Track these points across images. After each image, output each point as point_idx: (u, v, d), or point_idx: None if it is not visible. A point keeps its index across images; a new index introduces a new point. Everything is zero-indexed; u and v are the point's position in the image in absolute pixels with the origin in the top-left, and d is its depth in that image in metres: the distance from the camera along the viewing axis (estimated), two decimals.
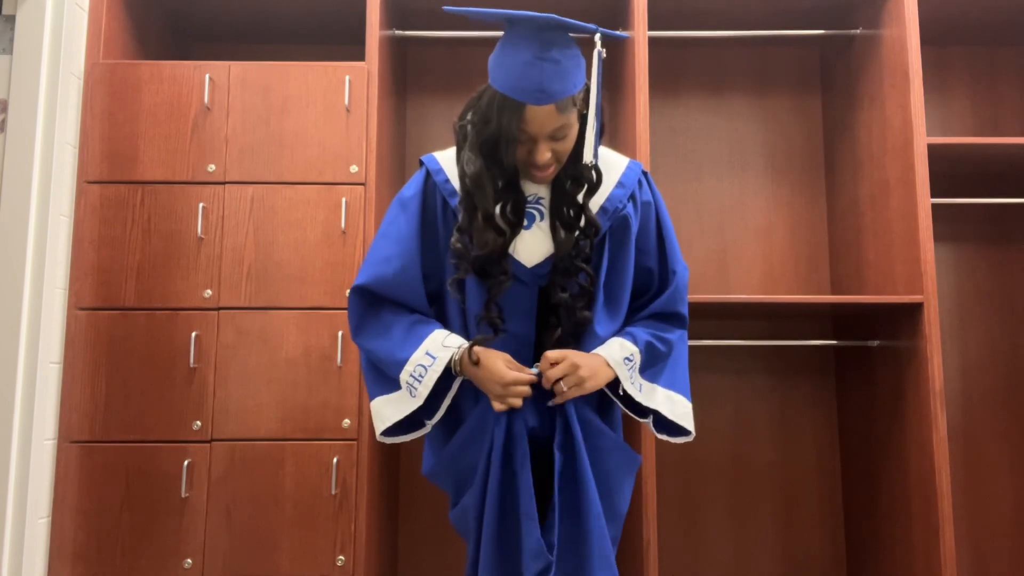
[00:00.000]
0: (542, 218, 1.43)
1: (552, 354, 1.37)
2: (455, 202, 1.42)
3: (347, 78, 2.10)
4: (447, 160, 1.47)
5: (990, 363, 2.55)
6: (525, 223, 1.42)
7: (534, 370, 1.38)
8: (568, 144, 1.37)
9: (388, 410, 1.42)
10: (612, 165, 1.49)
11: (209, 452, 1.98)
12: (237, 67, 2.12)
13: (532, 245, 1.42)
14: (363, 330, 1.45)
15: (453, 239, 1.40)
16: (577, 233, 1.41)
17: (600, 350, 1.41)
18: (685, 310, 1.52)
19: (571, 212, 1.42)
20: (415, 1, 2.38)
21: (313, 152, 2.09)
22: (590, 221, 1.42)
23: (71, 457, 1.97)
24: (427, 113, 2.64)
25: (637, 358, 1.42)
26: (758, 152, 2.66)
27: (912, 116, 2.10)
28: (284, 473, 1.98)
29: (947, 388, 2.47)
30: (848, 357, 2.50)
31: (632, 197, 1.47)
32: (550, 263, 1.41)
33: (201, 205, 2.05)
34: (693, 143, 2.64)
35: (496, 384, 1.35)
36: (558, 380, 1.36)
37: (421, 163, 1.51)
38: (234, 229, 2.06)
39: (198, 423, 1.99)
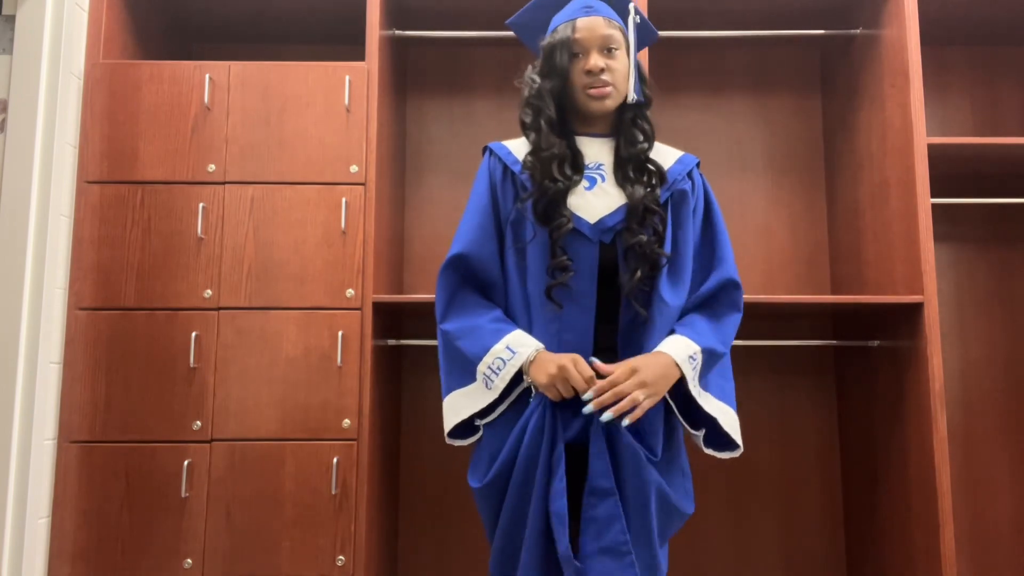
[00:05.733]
0: (604, 180, 1.49)
1: (612, 380, 1.36)
2: (518, 168, 1.50)
3: (347, 78, 2.10)
4: (509, 141, 1.57)
5: (990, 363, 2.54)
6: (587, 184, 1.48)
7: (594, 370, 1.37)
8: (620, 64, 1.47)
9: (463, 402, 1.46)
10: (668, 151, 1.57)
11: (209, 452, 1.98)
12: (237, 67, 2.12)
13: (593, 202, 1.46)
14: (450, 315, 1.49)
15: (526, 158, 1.49)
16: (645, 185, 1.47)
17: (665, 347, 1.42)
18: (736, 274, 1.54)
19: (634, 169, 1.48)
20: (415, 1, 2.38)
21: (313, 152, 2.09)
22: (656, 170, 1.49)
23: (71, 457, 1.97)
24: (427, 113, 2.64)
25: (700, 359, 1.43)
26: (758, 152, 2.66)
27: (912, 116, 2.10)
28: (284, 473, 1.98)
29: (947, 388, 2.47)
30: (848, 357, 2.50)
31: (690, 176, 1.55)
32: (612, 219, 1.45)
33: (201, 205, 2.05)
34: (693, 143, 2.62)
35: (551, 363, 1.37)
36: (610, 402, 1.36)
37: (484, 150, 1.59)
38: (234, 229, 2.06)
39: (198, 423, 1.99)
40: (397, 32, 2.40)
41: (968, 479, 2.49)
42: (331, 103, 2.10)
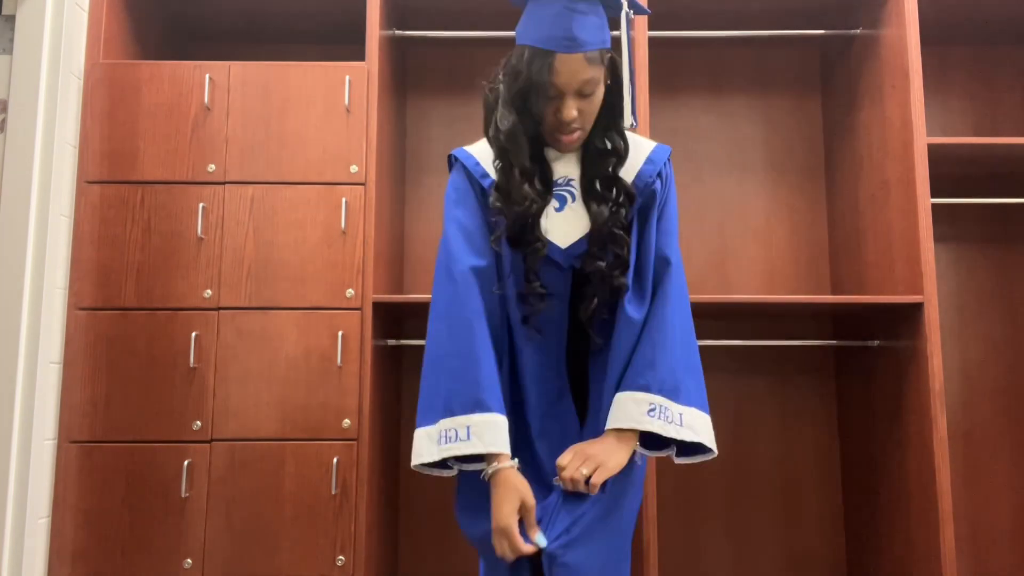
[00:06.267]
0: (574, 199, 1.41)
1: (561, 460, 1.31)
2: (488, 183, 1.42)
3: (347, 78, 2.10)
4: (474, 148, 1.49)
5: (990, 363, 2.54)
6: (557, 205, 1.41)
7: (538, 541, 1.28)
8: (594, 105, 1.37)
9: (424, 445, 1.34)
10: (639, 144, 1.48)
11: (209, 452, 1.98)
12: (237, 67, 2.12)
13: (565, 226, 1.40)
14: (444, 339, 1.36)
15: (492, 198, 1.39)
16: (611, 204, 1.39)
17: (614, 421, 1.33)
18: (670, 251, 1.43)
19: (602, 185, 1.40)
20: (415, 1, 2.38)
21: (313, 152, 2.09)
22: (624, 189, 1.40)
23: (71, 457, 1.97)
24: (427, 113, 2.64)
25: (661, 401, 1.33)
26: (758, 152, 2.66)
27: (912, 116, 2.10)
28: (284, 473, 1.98)
29: (947, 388, 2.47)
30: (848, 357, 2.50)
31: (660, 175, 1.45)
32: (585, 243, 1.39)
33: (201, 205, 2.05)
34: (693, 143, 2.64)
35: (495, 519, 1.28)
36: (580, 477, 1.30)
37: (450, 159, 1.51)
38: (234, 229, 2.06)
39: (198, 423, 1.99)
40: (397, 32, 2.40)
41: (968, 479, 2.49)
42: (331, 103, 2.10)
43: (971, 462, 2.50)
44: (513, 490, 1.29)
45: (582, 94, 1.34)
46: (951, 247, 2.58)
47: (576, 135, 1.38)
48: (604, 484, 1.31)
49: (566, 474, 1.29)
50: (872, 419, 2.32)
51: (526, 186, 1.36)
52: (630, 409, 1.32)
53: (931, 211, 2.07)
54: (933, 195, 2.10)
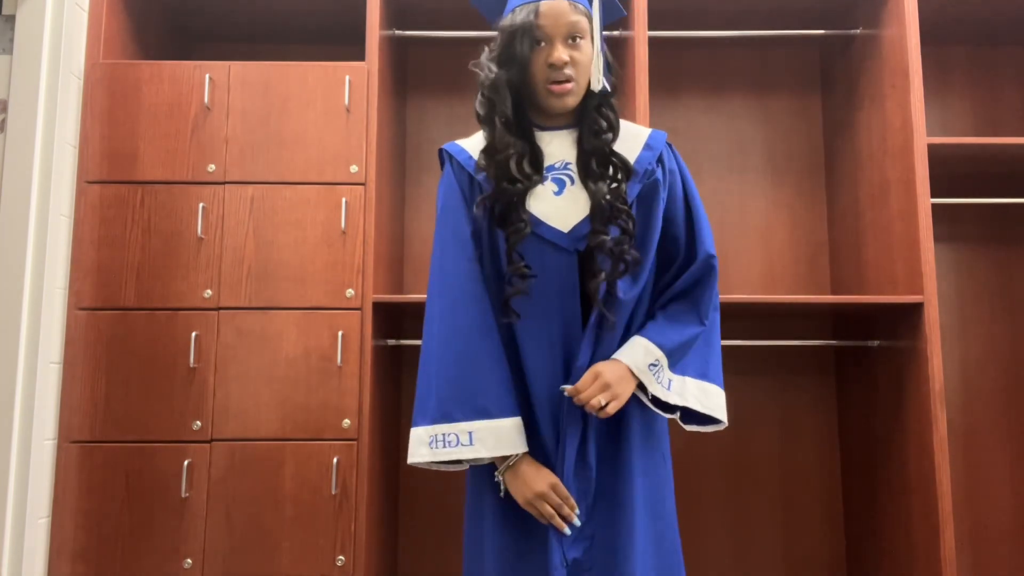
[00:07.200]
0: (573, 182, 1.40)
1: (581, 383, 1.34)
2: (481, 176, 1.40)
3: (347, 78, 2.10)
4: (466, 142, 1.47)
5: (990, 363, 2.55)
6: (556, 189, 1.40)
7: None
8: (584, 56, 1.37)
9: (415, 446, 1.36)
10: (636, 132, 1.48)
11: (209, 452, 1.98)
12: (237, 67, 2.12)
13: (566, 208, 1.38)
14: (432, 350, 1.37)
15: (479, 158, 1.40)
16: (610, 180, 1.38)
17: (623, 355, 1.37)
18: (711, 247, 1.45)
19: (598, 163, 1.40)
20: (415, 1, 2.38)
21: (313, 152, 2.09)
22: (621, 164, 1.40)
23: (71, 457, 1.97)
24: (427, 113, 2.64)
25: (664, 361, 1.38)
26: (758, 152, 2.66)
27: (912, 116, 2.10)
28: (284, 473, 1.98)
29: (947, 388, 2.47)
30: (848, 357, 2.50)
31: (660, 161, 1.45)
32: (587, 225, 1.37)
33: (201, 205, 2.05)
34: (693, 143, 2.64)
35: (527, 490, 1.32)
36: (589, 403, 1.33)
37: (440, 154, 1.49)
38: (234, 229, 2.06)
39: (198, 423, 1.99)
40: (397, 32, 2.40)
41: (968, 479, 2.49)
42: (331, 103, 2.10)
43: (971, 462, 2.50)
44: (541, 469, 1.34)
45: (571, 40, 1.36)
46: (951, 247, 2.58)
47: (569, 85, 1.36)
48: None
49: (585, 396, 1.32)
50: (872, 419, 2.32)
51: (512, 163, 1.35)
52: (638, 354, 1.37)
53: (931, 211, 2.07)
54: (933, 195, 2.10)
